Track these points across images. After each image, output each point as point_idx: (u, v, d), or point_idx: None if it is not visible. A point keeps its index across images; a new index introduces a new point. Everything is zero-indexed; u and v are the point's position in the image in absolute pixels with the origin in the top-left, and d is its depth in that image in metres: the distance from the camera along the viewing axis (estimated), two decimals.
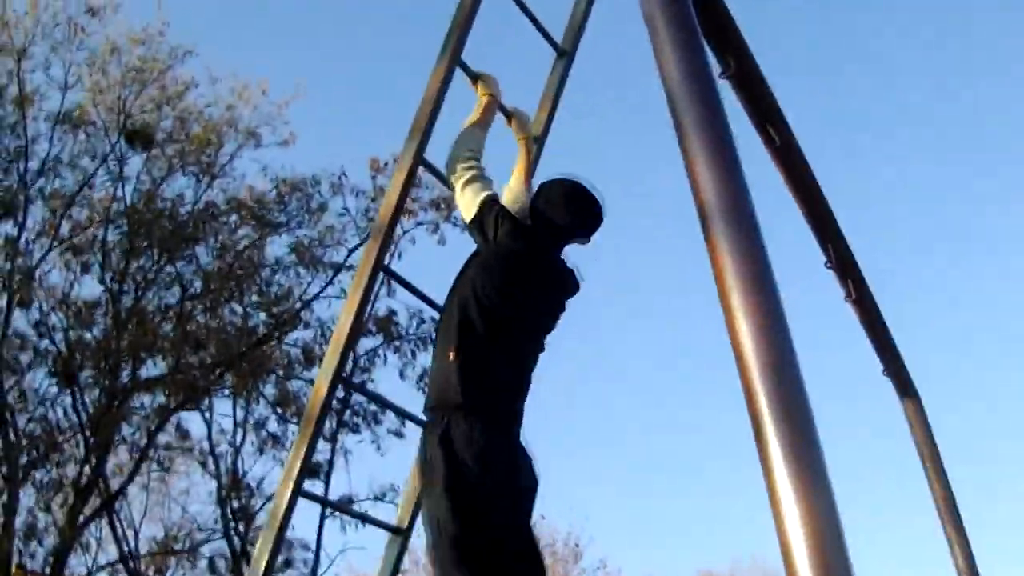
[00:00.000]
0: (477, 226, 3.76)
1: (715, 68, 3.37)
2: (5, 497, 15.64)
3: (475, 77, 4.19)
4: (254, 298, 18.42)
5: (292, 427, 18.91)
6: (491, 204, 3.78)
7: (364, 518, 4.08)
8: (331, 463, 18.99)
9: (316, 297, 18.73)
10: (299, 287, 18.71)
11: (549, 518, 24.55)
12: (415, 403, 4.15)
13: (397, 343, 18.61)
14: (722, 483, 46.64)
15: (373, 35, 35.65)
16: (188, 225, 17.69)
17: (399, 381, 18.22)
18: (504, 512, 3.54)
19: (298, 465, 3.43)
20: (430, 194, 18.16)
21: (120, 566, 18.45)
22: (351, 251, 18.68)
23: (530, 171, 4.19)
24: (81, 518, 16.71)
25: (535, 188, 3.97)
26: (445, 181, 3.94)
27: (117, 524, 18.25)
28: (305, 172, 18.72)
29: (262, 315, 18.51)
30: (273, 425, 19.00)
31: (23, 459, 16.22)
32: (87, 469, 16.74)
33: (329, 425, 18.97)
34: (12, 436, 16.16)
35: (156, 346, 17.05)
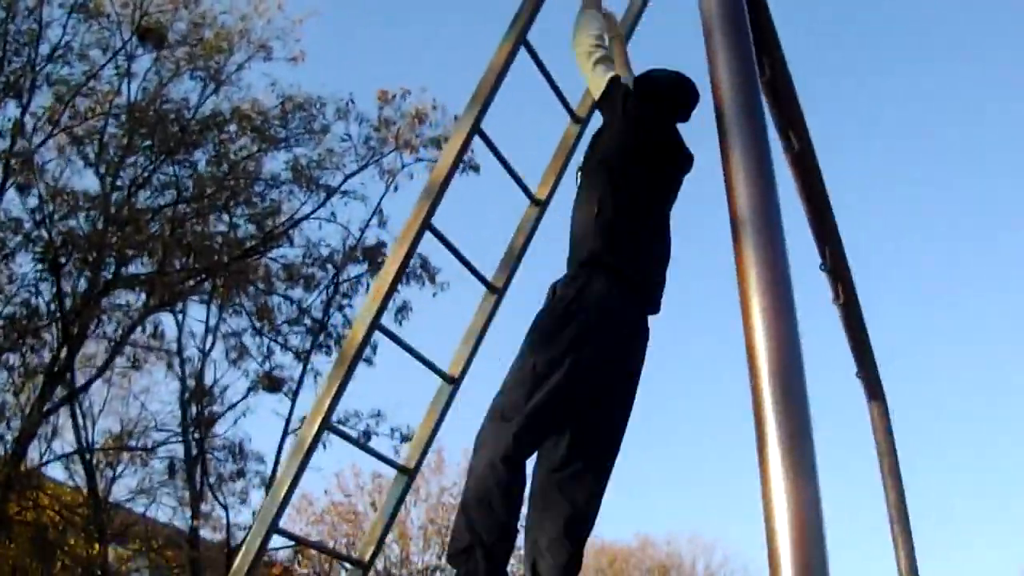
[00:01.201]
0: (608, 100, 4.08)
1: None
2: None
3: None
4: (244, 210, 18.51)
5: (266, 341, 19.16)
6: (619, 82, 4.11)
7: (378, 456, 4.30)
8: (300, 382, 19.22)
9: (307, 217, 18.95)
10: (290, 205, 18.89)
11: None
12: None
13: None
14: (667, 457, 47.46)
15: None
16: (189, 128, 17.72)
17: None
18: (599, 384, 3.73)
19: (328, 401, 3.63)
20: (433, 132, 18.35)
21: (76, 457, 18.61)
22: (348, 177, 18.91)
23: (626, 63, 4.54)
24: (48, 406, 16.84)
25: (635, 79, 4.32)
26: (497, 152, 4.14)
27: (79, 415, 18.43)
28: (313, 94, 18.82)
29: (251, 228, 18.63)
30: (248, 338, 19.23)
31: None
32: (60, 358, 16.84)
33: (302, 344, 19.20)
34: None
35: (144, 245, 17.12)
